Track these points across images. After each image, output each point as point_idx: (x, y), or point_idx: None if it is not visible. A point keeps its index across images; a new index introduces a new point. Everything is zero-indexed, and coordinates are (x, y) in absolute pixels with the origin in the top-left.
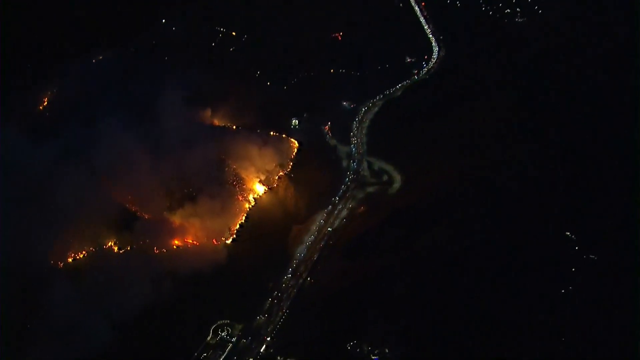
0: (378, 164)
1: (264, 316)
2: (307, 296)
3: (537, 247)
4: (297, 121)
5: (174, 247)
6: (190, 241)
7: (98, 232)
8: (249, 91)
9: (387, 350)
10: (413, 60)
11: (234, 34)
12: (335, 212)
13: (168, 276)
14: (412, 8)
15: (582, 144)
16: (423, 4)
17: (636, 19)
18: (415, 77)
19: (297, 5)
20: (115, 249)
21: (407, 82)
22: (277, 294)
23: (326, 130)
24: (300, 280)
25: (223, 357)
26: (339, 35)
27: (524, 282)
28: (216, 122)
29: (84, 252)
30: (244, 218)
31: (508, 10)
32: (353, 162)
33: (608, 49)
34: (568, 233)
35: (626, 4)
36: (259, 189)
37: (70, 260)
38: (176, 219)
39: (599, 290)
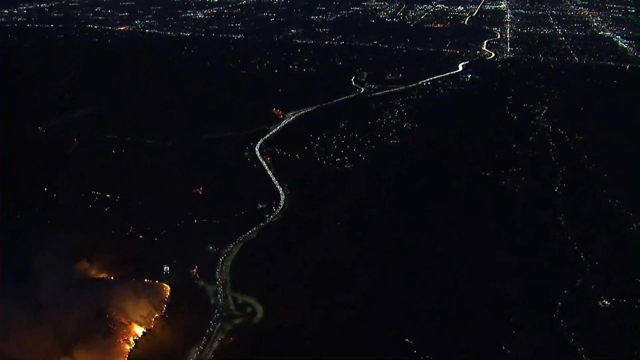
0: (242, 298)
1: None
2: None
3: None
4: (168, 268)
5: None
6: None
7: None
8: (123, 245)
9: None
10: (264, 206)
11: (108, 196)
12: (208, 345)
13: None
14: (260, 163)
15: (417, 259)
16: (268, 158)
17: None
18: (267, 220)
19: (160, 167)
20: None
21: (260, 225)
22: None
23: (194, 273)
24: None
25: None
26: (199, 191)
27: None
28: (94, 275)
29: None
30: (126, 358)
31: (338, 159)
32: (219, 299)
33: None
34: (407, 339)
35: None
36: (138, 331)
37: None
38: None
39: None
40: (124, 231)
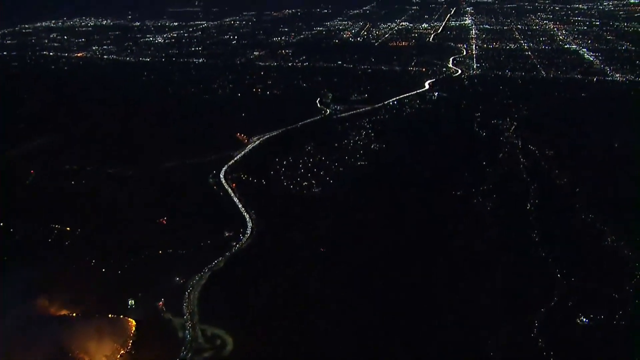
0: (210, 330)
1: None
2: None
3: None
4: (133, 301)
5: None
6: None
7: None
8: (85, 279)
9: None
10: (231, 234)
11: (68, 229)
12: None
13: None
14: (226, 190)
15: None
16: (234, 185)
17: None
18: (234, 248)
19: (122, 197)
20: None
21: (228, 254)
22: None
23: (160, 307)
24: None
25: None
26: (164, 220)
27: None
28: (54, 312)
29: None
30: None
31: (305, 183)
32: (187, 332)
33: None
34: None
35: None
36: None
37: None
38: None
39: None
40: (86, 265)
